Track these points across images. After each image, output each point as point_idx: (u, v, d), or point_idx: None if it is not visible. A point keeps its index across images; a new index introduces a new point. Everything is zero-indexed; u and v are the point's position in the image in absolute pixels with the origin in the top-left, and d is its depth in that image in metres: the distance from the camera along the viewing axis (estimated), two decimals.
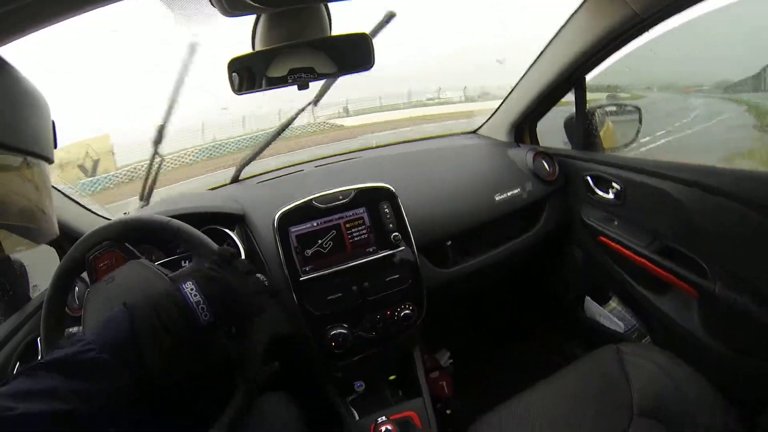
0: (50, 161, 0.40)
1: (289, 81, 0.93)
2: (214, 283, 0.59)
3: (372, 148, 1.50)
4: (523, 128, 1.48)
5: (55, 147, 0.41)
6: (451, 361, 1.31)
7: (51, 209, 0.42)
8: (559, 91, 1.38)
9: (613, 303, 1.38)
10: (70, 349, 0.47)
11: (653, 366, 0.89)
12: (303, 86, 0.95)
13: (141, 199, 1.24)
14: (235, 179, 1.34)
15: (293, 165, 1.39)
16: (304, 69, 0.92)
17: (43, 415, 0.41)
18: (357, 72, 0.97)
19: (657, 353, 0.93)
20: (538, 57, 1.32)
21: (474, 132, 1.55)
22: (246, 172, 1.34)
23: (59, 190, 1.11)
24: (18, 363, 0.91)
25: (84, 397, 0.44)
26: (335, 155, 1.42)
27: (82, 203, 1.17)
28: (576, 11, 1.11)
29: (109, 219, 1.25)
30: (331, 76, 0.98)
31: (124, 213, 1.27)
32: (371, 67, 0.95)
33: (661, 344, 1.11)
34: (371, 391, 1.16)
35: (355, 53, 0.94)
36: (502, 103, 1.47)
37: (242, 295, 0.63)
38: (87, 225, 1.15)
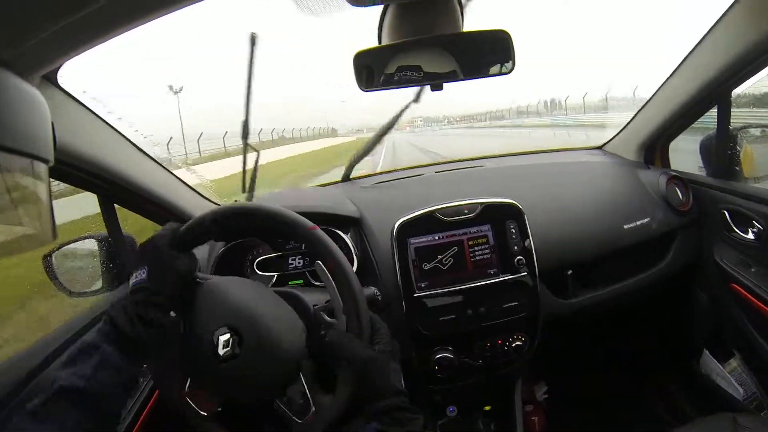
0: (49, 163, 0.40)
1: (423, 81, 0.84)
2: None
3: (494, 156, 1.39)
4: (655, 148, 1.31)
5: (54, 149, 0.40)
6: (547, 396, 1.21)
7: (48, 212, 0.40)
8: (699, 107, 1.20)
9: (735, 362, 1.20)
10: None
11: None
12: (437, 87, 0.86)
13: (243, 191, 1.20)
14: (346, 178, 1.27)
15: (411, 168, 1.31)
16: (440, 72, 0.83)
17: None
18: (496, 76, 0.86)
19: None
20: (677, 68, 1.14)
21: (600, 148, 1.40)
22: (356, 172, 1.26)
23: (170, 171, 1.09)
24: None
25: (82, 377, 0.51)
26: (456, 161, 1.33)
27: (192, 186, 1.14)
28: (725, 14, 0.93)
29: (217, 204, 1.23)
30: (469, 79, 0.87)
31: (234, 201, 1.25)
32: (511, 70, 0.85)
33: None
34: (463, 417, 1.09)
35: (493, 53, 0.84)
36: (633, 118, 1.30)
37: None
38: (195, 207, 1.13)
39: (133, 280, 0.62)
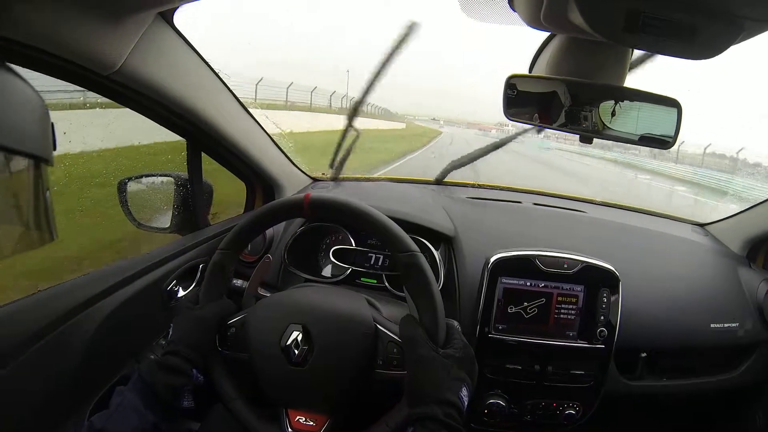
0: (49, 163, 0.40)
1: (574, 128, 0.77)
2: None
3: (596, 203, 1.33)
4: (762, 246, 1.21)
5: (54, 149, 0.41)
6: None
7: (48, 212, 0.40)
8: None
9: None
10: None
11: None
12: (586, 140, 0.79)
13: (330, 167, 1.17)
14: (439, 182, 1.23)
15: (509, 189, 1.26)
16: (593, 124, 0.76)
17: None
18: (653, 147, 0.79)
19: None
20: None
21: (703, 226, 1.31)
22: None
23: (267, 133, 1.06)
24: (175, 282, 0.89)
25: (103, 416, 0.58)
26: (557, 196, 1.27)
27: (285, 151, 1.11)
28: None
29: (306, 174, 1.20)
30: (622, 141, 0.80)
31: (322, 174, 1.22)
32: (671, 146, 0.77)
33: None
34: None
35: (657, 121, 0.76)
36: (753, 207, 1.20)
37: None
38: (284, 174, 1.11)
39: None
